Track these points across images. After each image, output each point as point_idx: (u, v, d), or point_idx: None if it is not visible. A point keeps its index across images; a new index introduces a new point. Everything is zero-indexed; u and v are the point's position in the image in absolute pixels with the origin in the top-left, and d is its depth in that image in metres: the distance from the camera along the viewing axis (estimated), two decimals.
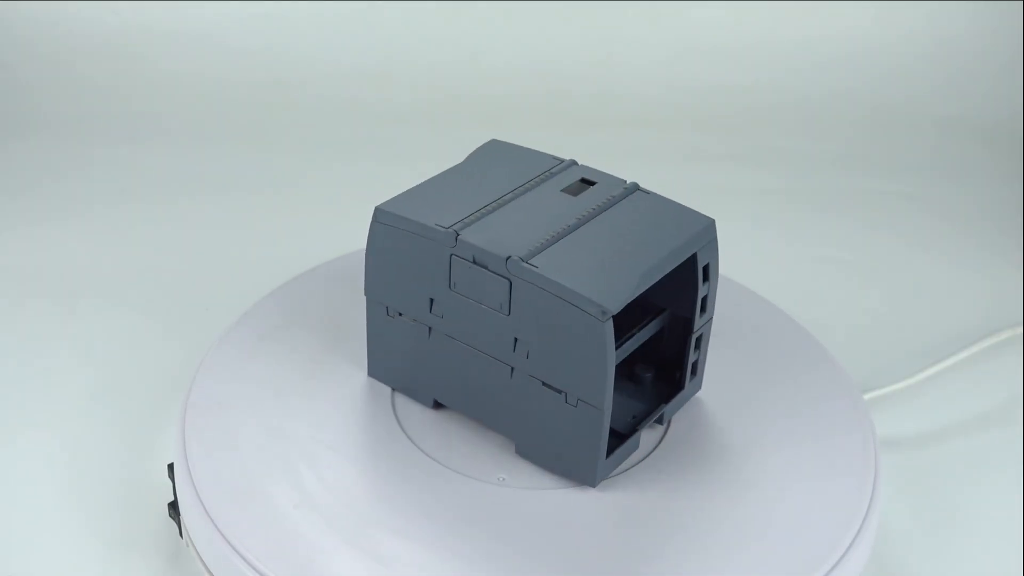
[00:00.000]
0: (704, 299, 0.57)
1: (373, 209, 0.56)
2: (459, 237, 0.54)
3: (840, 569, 0.52)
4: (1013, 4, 1.26)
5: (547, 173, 0.60)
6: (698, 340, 0.59)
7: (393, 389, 0.62)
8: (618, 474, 0.56)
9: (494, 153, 0.62)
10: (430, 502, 0.54)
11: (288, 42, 1.22)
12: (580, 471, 0.55)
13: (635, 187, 0.58)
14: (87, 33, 1.20)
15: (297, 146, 1.10)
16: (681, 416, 0.61)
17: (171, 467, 0.60)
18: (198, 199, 0.99)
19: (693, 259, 0.55)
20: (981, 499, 0.69)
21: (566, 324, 0.51)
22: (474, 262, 0.53)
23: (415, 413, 0.60)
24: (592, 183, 0.59)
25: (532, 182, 0.59)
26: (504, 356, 0.54)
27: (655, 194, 0.58)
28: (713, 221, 0.56)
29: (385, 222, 0.56)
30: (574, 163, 0.61)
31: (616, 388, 0.58)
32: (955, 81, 1.24)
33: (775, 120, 1.19)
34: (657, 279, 0.52)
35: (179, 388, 0.68)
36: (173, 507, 0.60)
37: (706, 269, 0.56)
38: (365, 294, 0.59)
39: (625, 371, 0.60)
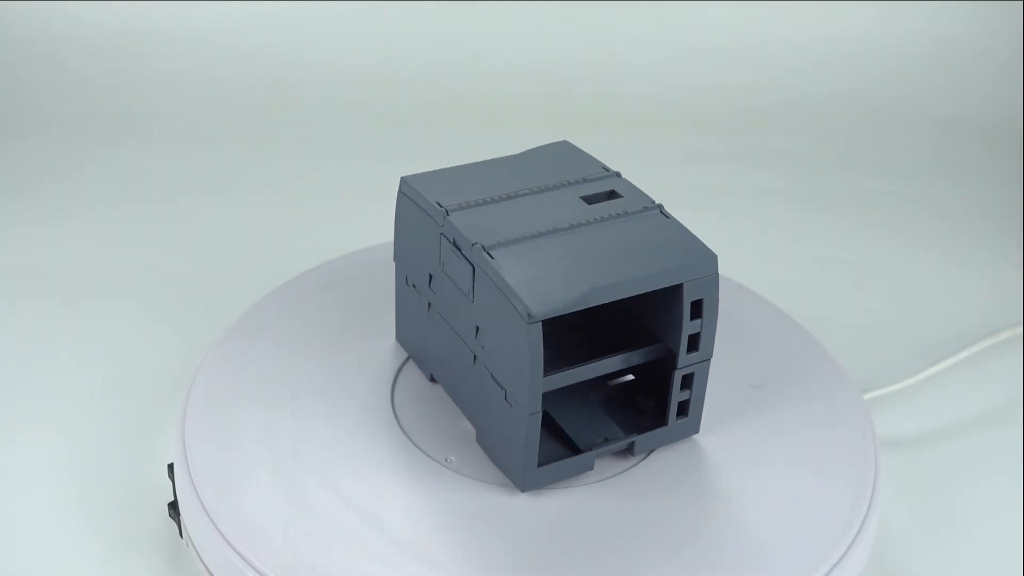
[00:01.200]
0: (695, 337, 0.54)
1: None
2: (447, 217, 0.54)
3: (840, 569, 0.52)
4: (1013, 4, 1.26)
5: (581, 179, 0.58)
6: (688, 379, 0.56)
7: (409, 357, 0.63)
8: (600, 480, 0.56)
9: (551, 152, 0.62)
10: (367, 466, 0.56)
11: (288, 42, 1.22)
12: (513, 473, 0.55)
13: (657, 208, 0.56)
14: (87, 33, 1.20)
15: (297, 146, 1.10)
16: None
17: (171, 467, 0.60)
18: (198, 199, 0.99)
19: (679, 291, 0.52)
20: (981, 499, 0.69)
21: (505, 320, 0.51)
22: (453, 244, 0.54)
23: (413, 385, 0.62)
24: (618, 196, 0.57)
25: (559, 184, 0.58)
26: (470, 342, 0.55)
27: (673, 220, 0.56)
28: (715, 257, 0.53)
29: (404, 192, 0.58)
30: (617, 175, 0.59)
31: (607, 408, 0.58)
32: (955, 81, 1.24)
33: (775, 120, 1.19)
34: (614, 299, 0.51)
35: (179, 388, 0.68)
36: (173, 507, 0.60)
37: (698, 305, 0.53)
38: (394, 260, 0.62)
39: (625, 395, 0.59)
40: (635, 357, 0.55)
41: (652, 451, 0.58)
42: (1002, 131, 1.20)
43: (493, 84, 1.20)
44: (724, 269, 0.76)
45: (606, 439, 0.56)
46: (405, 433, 0.58)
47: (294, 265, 0.75)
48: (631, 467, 0.57)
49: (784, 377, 0.64)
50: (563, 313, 0.50)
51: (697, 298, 0.53)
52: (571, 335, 0.57)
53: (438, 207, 0.55)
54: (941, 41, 1.26)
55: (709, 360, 0.55)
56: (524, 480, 0.54)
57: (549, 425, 0.57)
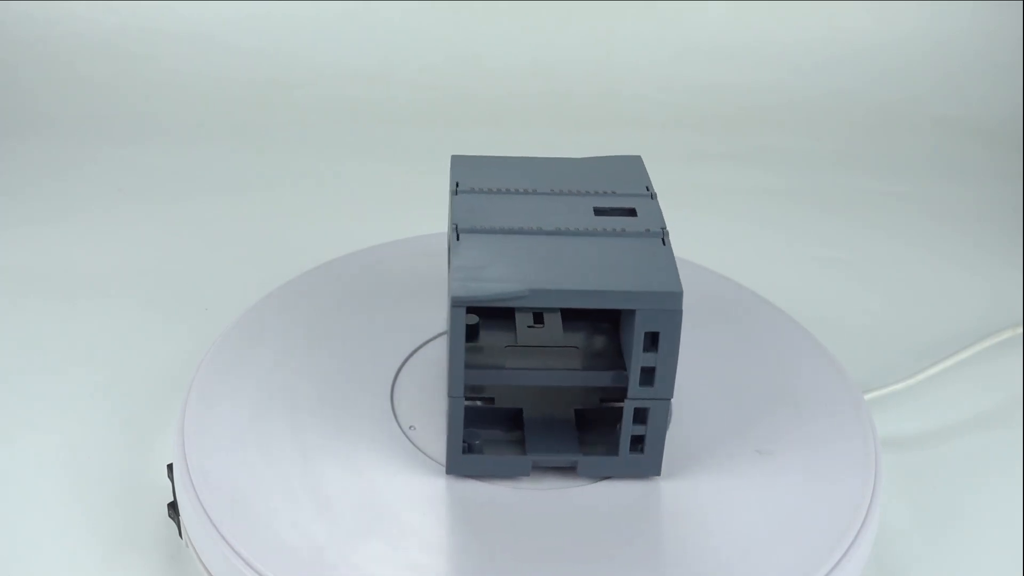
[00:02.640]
0: (650, 371, 0.52)
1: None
2: (454, 196, 0.55)
3: (840, 569, 0.52)
4: (1013, 4, 1.26)
5: (611, 192, 0.57)
6: (641, 414, 0.53)
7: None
8: (609, 479, 0.56)
9: (611, 163, 0.60)
10: (332, 425, 0.58)
11: (287, 42, 1.21)
12: (444, 453, 0.55)
13: (660, 234, 0.54)
14: (87, 33, 1.20)
15: (297, 146, 1.10)
16: (681, 416, 0.60)
17: (171, 467, 0.60)
18: (198, 199, 0.99)
19: (632, 319, 0.51)
20: (981, 499, 0.69)
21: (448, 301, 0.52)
22: (451, 223, 0.55)
23: (428, 361, 0.63)
24: (632, 215, 0.55)
25: (585, 192, 0.57)
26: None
27: (667, 248, 0.53)
28: (679, 294, 0.50)
29: (450, 170, 0.59)
30: (652, 196, 0.57)
31: (587, 426, 0.57)
32: (955, 81, 1.24)
33: (775, 120, 1.19)
34: (551, 306, 0.50)
35: (179, 388, 0.68)
36: (173, 507, 0.60)
37: (654, 338, 0.51)
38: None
39: (613, 419, 0.57)
40: (586, 377, 0.54)
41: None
42: (1002, 131, 1.20)
43: (493, 84, 1.20)
44: (724, 269, 0.76)
45: (556, 451, 0.55)
46: (392, 403, 0.59)
47: (294, 265, 0.75)
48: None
49: (784, 377, 0.64)
50: (488, 304, 0.50)
51: (652, 330, 0.50)
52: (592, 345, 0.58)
53: (455, 186, 0.56)
54: (941, 41, 1.26)
55: (668, 400, 0.53)
56: (448, 463, 0.55)
57: (518, 423, 0.57)
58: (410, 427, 0.59)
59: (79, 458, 0.68)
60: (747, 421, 0.60)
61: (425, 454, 0.57)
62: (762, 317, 0.70)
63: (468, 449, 0.55)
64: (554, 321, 0.59)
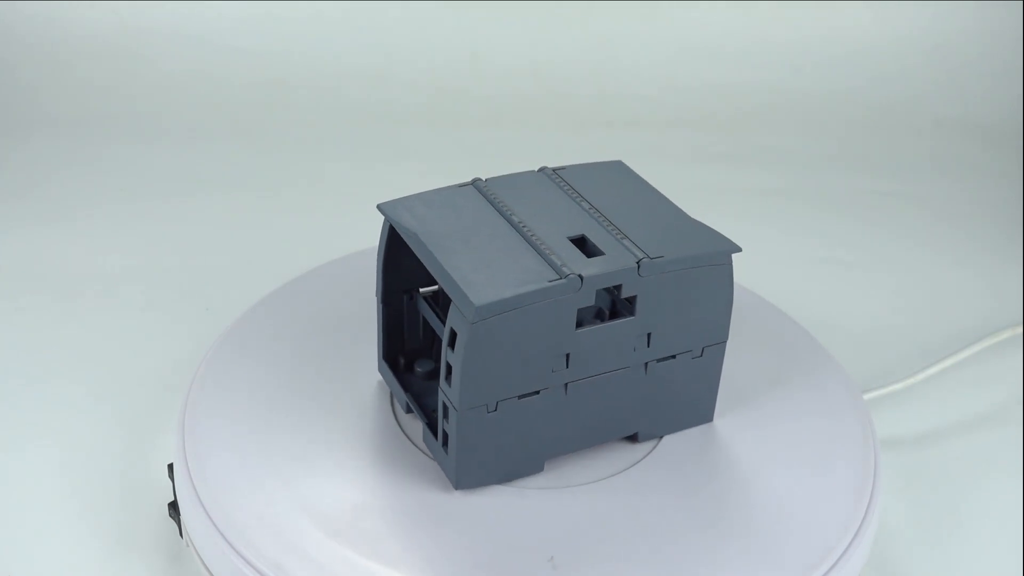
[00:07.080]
0: (450, 370, 0.51)
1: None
2: (533, 172, 0.60)
3: (839, 569, 0.52)
4: (1014, 4, 1.26)
5: (625, 240, 0.54)
6: (446, 412, 0.52)
7: None
8: (616, 474, 0.56)
9: (696, 230, 0.57)
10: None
11: (288, 42, 1.22)
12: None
13: (564, 276, 0.51)
14: (89, 33, 1.20)
15: (297, 146, 1.10)
16: None
17: (171, 467, 0.60)
18: (198, 199, 0.99)
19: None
20: (981, 499, 0.69)
21: None
22: None
23: None
24: (589, 258, 0.53)
25: (611, 228, 0.55)
26: None
27: (553, 286, 0.50)
28: (475, 306, 0.48)
29: (591, 166, 0.63)
30: (636, 264, 0.53)
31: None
32: (954, 81, 1.24)
33: (775, 120, 1.19)
34: (417, 256, 0.54)
35: (179, 388, 0.68)
36: (173, 507, 0.60)
37: (453, 338, 0.50)
38: None
39: None
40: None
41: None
42: (1002, 131, 1.20)
43: (493, 84, 1.21)
44: None
45: (425, 410, 0.57)
46: (392, 402, 0.59)
47: (295, 265, 0.75)
48: (638, 462, 0.57)
49: (784, 377, 0.64)
50: (394, 227, 0.55)
51: (453, 328, 0.50)
52: None
53: (548, 170, 0.60)
54: (941, 41, 1.26)
55: (457, 412, 0.51)
56: (379, 362, 0.61)
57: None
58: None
59: (80, 458, 0.68)
60: (745, 421, 0.60)
61: (427, 455, 0.57)
62: (762, 317, 0.70)
63: (399, 366, 0.60)
64: None
